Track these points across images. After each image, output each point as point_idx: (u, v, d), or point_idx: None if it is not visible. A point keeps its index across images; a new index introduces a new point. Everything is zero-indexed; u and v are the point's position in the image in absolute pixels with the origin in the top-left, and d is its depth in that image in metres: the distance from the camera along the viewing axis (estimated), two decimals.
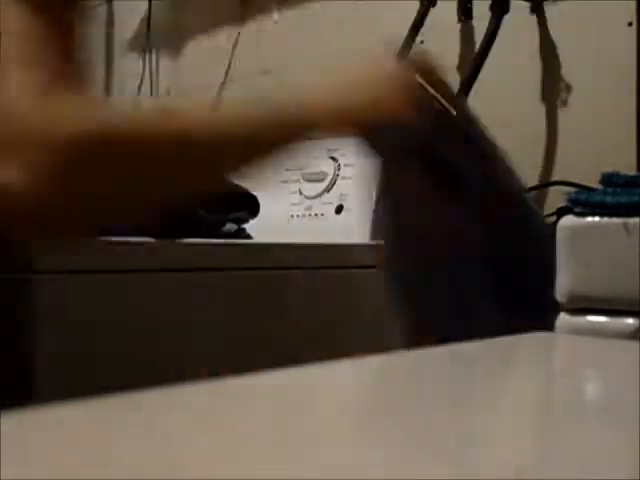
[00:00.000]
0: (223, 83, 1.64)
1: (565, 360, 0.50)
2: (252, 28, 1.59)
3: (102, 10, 1.97)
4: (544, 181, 1.13)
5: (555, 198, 1.09)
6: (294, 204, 1.20)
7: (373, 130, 0.57)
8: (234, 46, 1.62)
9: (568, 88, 1.11)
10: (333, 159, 1.19)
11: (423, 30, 1.24)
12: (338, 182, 1.16)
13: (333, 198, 1.16)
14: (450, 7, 1.24)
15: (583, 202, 0.76)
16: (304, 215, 1.18)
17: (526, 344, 0.54)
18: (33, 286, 0.72)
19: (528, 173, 1.14)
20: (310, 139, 0.56)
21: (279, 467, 0.23)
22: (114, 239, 0.77)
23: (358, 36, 1.39)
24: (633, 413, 0.30)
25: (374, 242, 1.09)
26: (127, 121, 0.46)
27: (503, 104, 1.18)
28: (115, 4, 1.95)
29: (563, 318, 0.78)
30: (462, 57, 1.23)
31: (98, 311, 0.75)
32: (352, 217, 1.12)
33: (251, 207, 0.96)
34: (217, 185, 0.54)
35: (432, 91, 0.56)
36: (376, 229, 1.11)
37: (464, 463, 0.25)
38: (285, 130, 0.54)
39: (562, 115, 1.12)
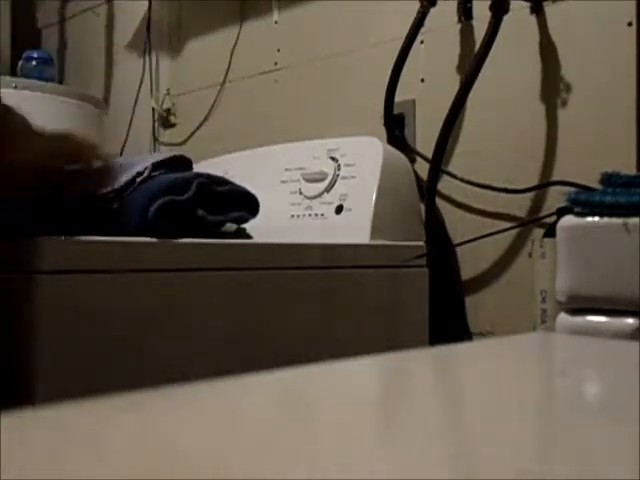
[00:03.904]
0: (223, 83, 1.65)
1: (565, 360, 0.50)
2: (252, 28, 1.60)
3: (102, 10, 1.97)
4: (544, 181, 1.13)
5: (555, 198, 1.09)
6: (294, 204, 1.20)
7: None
8: (234, 46, 1.62)
9: (568, 88, 1.11)
10: (333, 159, 1.19)
11: (423, 30, 1.24)
12: (338, 182, 1.16)
13: (333, 198, 1.16)
14: (450, 7, 1.24)
15: (583, 202, 0.76)
16: (304, 215, 1.18)
17: (526, 344, 0.54)
18: (33, 286, 0.72)
19: (528, 173, 1.15)
20: None
21: (280, 467, 0.23)
22: (114, 239, 0.77)
23: (358, 36, 1.39)
24: (633, 413, 0.30)
25: (374, 242, 1.09)
26: None
27: (503, 104, 1.18)
28: (115, 4, 1.95)
29: (563, 318, 0.78)
30: (462, 57, 1.24)
31: (98, 311, 0.75)
32: (352, 217, 1.12)
33: (251, 207, 0.96)
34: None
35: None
36: (376, 229, 1.11)
37: (464, 463, 0.25)
38: None
39: (562, 115, 1.12)
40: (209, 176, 0.93)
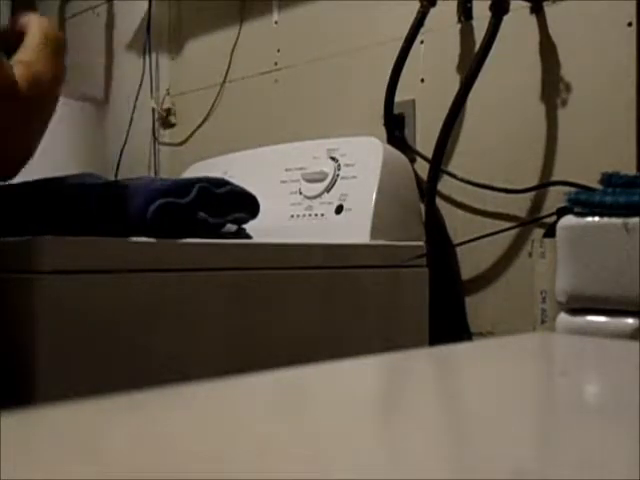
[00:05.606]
0: (223, 83, 1.65)
1: (565, 360, 0.50)
2: (252, 28, 1.60)
3: (102, 10, 1.97)
4: (544, 181, 1.13)
5: (555, 198, 1.09)
6: (294, 204, 1.20)
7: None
8: (234, 46, 1.62)
9: (568, 88, 1.11)
10: (333, 159, 1.19)
11: (423, 30, 1.24)
12: (338, 182, 1.16)
13: (333, 198, 1.16)
14: (450, 7, 1.24)
15: (583, 202, 0.76)
16: (304, 215, 1.18)
17: (526, 344, 0.54)
18: (33, 286, 0.72)
19: (528, 173, 1.15)
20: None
21: (279, 467, 0.23)
22: (114, 239, 0.77)
23: (358, 36, 1.39)
24: (633, 413, 0.30)
25: (374, 242, 1.09)
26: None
27: (503, 104, 1.18)
28: (115, 4, 1.95)
29: (563, 318, 0.78)
30: (462, 57, 1.23)
31: (98, 311, 0.75)
32: (352, 217, 1.12)
33: (251, 208, 0.96)
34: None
35: None
36: (376, 229, 1.11)
37: (464, 463, 0.25)
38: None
39: (562, 115, 1.12)
40: (209, 180, 0.93)
